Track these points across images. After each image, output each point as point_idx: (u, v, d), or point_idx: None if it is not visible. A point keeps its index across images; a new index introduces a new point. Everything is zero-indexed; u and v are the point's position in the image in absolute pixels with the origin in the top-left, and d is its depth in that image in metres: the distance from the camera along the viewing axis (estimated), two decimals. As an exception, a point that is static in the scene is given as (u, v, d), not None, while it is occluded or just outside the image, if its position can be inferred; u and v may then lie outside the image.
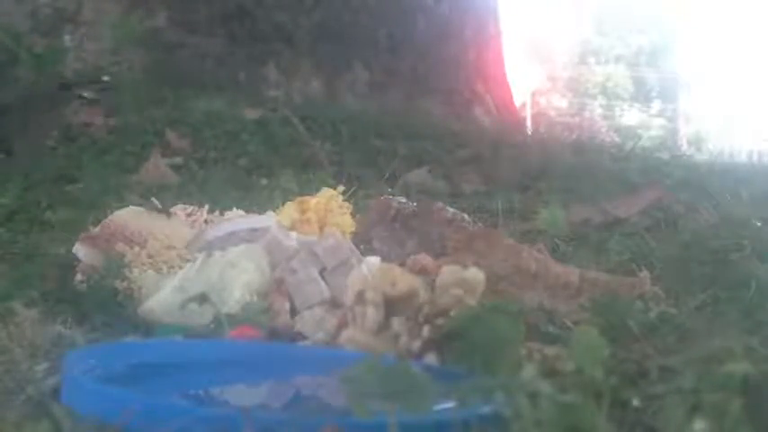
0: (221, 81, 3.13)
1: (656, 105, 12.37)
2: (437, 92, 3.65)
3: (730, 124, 11.07)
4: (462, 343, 0.92)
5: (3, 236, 1.76)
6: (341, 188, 1.71)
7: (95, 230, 1.47)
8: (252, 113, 2.80)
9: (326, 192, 1.68)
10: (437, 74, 3.65)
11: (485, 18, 4.10)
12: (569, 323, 1.18)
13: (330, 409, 0.90)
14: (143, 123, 2.60)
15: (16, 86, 2.14)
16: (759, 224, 1.73)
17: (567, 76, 12.06)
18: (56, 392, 0.90)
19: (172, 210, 1.60)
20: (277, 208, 1.67)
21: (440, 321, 0.97)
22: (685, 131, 11.20)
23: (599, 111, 11.56)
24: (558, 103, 11.35)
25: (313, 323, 1.19)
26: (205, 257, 1.29)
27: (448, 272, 1.02)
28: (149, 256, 1.37)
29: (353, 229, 1.60)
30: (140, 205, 1.58)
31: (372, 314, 0.98)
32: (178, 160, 2.42)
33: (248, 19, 3.27)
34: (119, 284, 1.31)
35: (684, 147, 6.64)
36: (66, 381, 0.87)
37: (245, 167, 2.45)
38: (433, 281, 1.03)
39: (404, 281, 1.01)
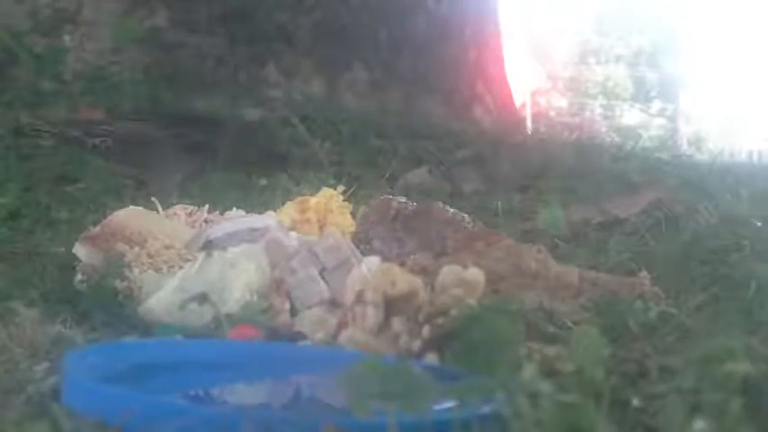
0: (221, 81, 3.13)
1: (656, 105, 12.36)
2: (437, 92, 3.65)
3: (730, 124, 11.07)
4: (462, 343, 0.92)
5: (3, 236, 1.76)
6: (341, 188, 1.71)
7: (95, 230, 1.47)
8: (252, 113, 2.80)
9: (326, 192, 1.68)
10: (437, 74, 3.65)
11: (485, 18, 4.10)
12: (569, 323, 1.18)
13: (330, 409, 0.90)
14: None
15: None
16: (759, 224, 1.73)
17: (567, 76, 12.06)
18: (56, 392, 0.90)
19: (172, 210, 1.60)
20: (277, 208, 1.67)
21: (440, 321, 0.97)
22: (685, 131, 11.20)
23: (599, 111, 11.55)
24: (558, 103, 11.34)
25: (313, 323, 1.19)
26: (205, 257, 1.29)
27: (448, 272, 1.02)
28: (149, 256, 1.37)
29: (353, 229, 1.60)
30: (140, 205, 1.59)
31: (372, 314, 0.98)
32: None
33: (248, 19, 3.27)
34: (119, 284, 1.31)
35: (684, 147, 6.64)
36: (67, 381, 0.87)
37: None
38: (433, 281, 1.03)
39: (404, 281, 1.01)
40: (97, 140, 1.98)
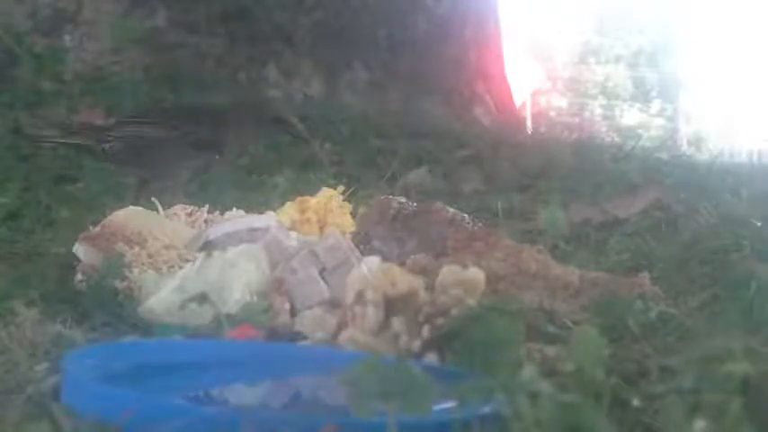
0: (221, 81, 3.13)
1: (656, 105, 12.37)
2: (437, 92, 3.65)
3: (730, 124, 11.08)
4: (462, 343, 0.92)
5: (3, 236, 1.76)
6: (341, 188, 1.71)
7: (95, 230, 1.47)
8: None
9: (326, 192, 1.68)
10: (437, 74, 3.65)
11: (485, 18, 4.10)
12: (569, 323, 1.18)
13: (330, 409, 0.90)
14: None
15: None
16: (759, 224, 1.73)
17: (567, 76, 12.06)
18: (56, 392, 0.91)
19: (172, 210, 1.60)
20: (277, 208, 1.67)
21: (440, 321, 0.97)
22: (685, 131, 11.21)
23: (599, 111, 11.57)
24: (558, 103, 11.35)
25: (313, 323, 1.19)
26: (205, 257, 1.29)
27: (448, 272, 1.02)
28: (149, 256, 1.37)
29: (353, 229, 1.60)
30: (140, 205, 1.59)
31: (372, 314, 0.98)
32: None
33: (248, 19, 3.27)
34: (119, 284, 1.31)
35: (684, 147, 6.64)
36: (67, 381, 0.87)
37: (246, 167, 2.45)
38: (433, 281, 1.03)
39: (404, 281, 1.01)
40: (107, 145, 2.01)
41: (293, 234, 1.45)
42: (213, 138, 2.08)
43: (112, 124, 2.12)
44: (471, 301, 0.98)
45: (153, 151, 2.01)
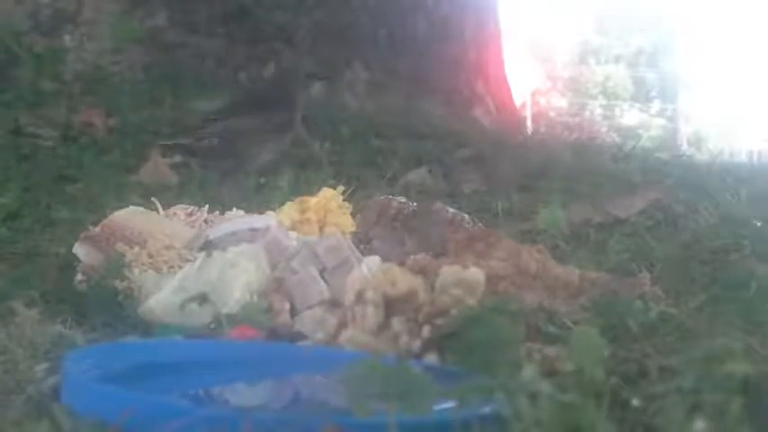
0: (221, 81, 3.13)
1: (656, 105, 12.37)
2: (437, 92, 3.65)
3: (730, 124, 11.09)
4: (462, 343, 0.92)
5: (3, 236, 1.76)
6: (341, 188, 1.71)
7: (95, 230, 1.47)
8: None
9: (326, 192, 1.68)
10: (437, 74, 3.65)
11: (485, 18, 4.10)
12: (569, 323, 1.18)
13: (330, 409, 0.90)
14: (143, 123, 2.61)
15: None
16: (759, 224, 1.73)
17: (567, 76, 12.07)
18: (56, 392, 0.91)
19: (172, 210, 1.60)
20: (277, 208, 1.67)
21: (440, 321, 0.97)
22: (685, 131, 11.21)
23: (599, 111, 11.57)
24: (558, 103, 11.35)
25: (313, 323, 1.19)
26: (205, 257, 1.29)
27: (448, 272, 1.02)
28: (149, 256, 1.37)
29: (353, 229, 1.60)
30: (140, 205, 1.59)
31: (372, 314, 0.98)
32: (178, 159, 2.42)
33: (248, 19, 3.27)
34: (119, 284, 1.31)
35: (684, 147, 6.64)
36: (67, 381, 0.87)
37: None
38: (433, 281, 1.03)
39: (404, 281, 1.01)
40: (205, 142, 2.12)
41: (293, 234, 1.45)
42: (286, 121, 2.18)
43: (203, 123, 2.22)
44: (471, 302, 0.98)
45: (241, 140, 2.10)
